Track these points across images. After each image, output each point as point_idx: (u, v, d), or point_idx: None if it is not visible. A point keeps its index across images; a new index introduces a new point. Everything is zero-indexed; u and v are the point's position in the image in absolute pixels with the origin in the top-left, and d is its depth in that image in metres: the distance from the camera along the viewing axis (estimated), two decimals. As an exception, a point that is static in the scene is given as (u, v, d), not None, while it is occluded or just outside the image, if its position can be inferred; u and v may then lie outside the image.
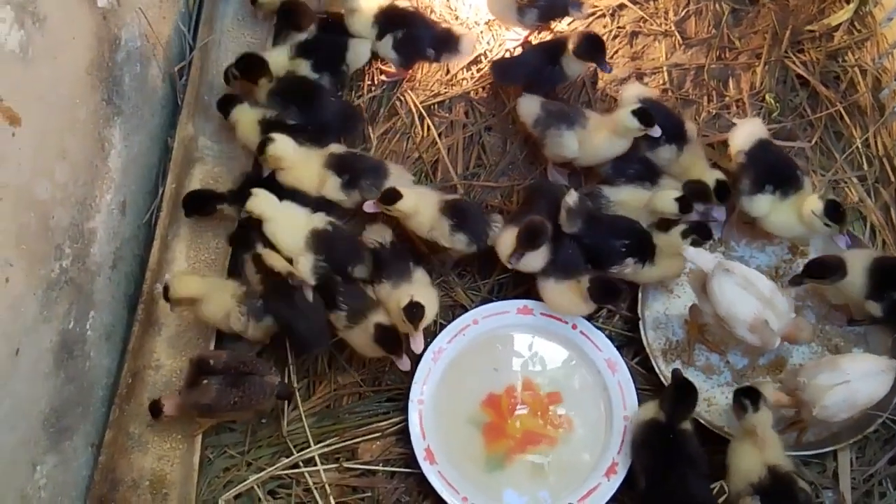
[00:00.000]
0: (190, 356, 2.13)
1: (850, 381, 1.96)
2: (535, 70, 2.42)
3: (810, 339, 2.16)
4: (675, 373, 2.06)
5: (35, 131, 1.82)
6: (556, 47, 2.42)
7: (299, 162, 2.28)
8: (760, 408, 1.93)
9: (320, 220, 2.20)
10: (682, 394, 2.00)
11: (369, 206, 2.20)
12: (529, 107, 2.35)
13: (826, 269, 2.12)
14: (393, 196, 2.13)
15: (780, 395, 2.04)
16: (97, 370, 2.15)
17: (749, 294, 2.01)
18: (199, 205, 2.32)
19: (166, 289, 2.14)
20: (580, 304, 2.15)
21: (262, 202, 2.16)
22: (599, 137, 2.27)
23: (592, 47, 2.35)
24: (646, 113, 2.20)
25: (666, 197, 2.18)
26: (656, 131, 2.22)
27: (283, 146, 2.24)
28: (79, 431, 2.07)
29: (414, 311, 2.00)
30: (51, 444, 1.95)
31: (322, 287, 2.15)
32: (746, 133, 2.30)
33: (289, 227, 2.17)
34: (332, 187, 2.26)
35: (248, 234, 2.20)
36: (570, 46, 2.36)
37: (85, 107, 2.04)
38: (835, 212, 2.13)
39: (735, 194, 2.28)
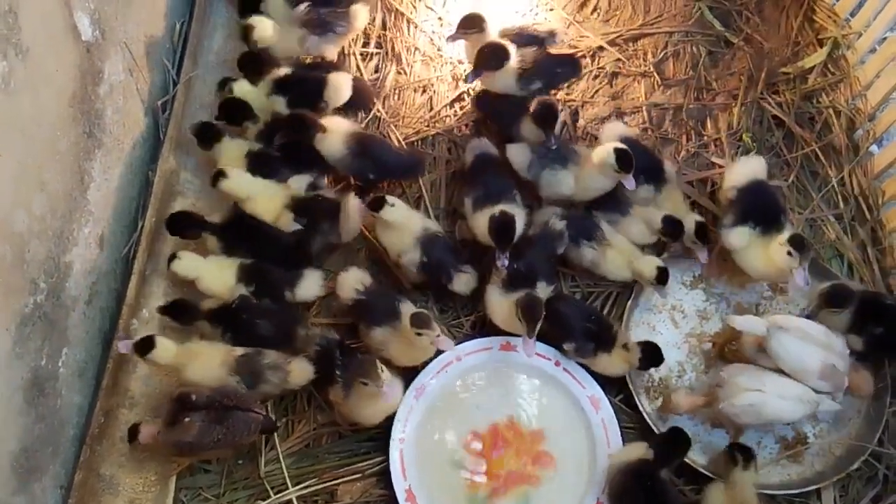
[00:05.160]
0: (167, 393, 2.08)
1: (764, 392, 2.01)
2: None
3: (870, 389, 2.14)
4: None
5: (14, 162, 1.79)
6: None
7: (260, 195, 2.27)
8: (749, 468, 1.95)
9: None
10: (675, 439, 2.01)
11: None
12: (519, 155, 2.33)
13: (843, 299, 2.11)
14: (380, 202, 2.18)
15: (695, 399, 2.10)
16: (69, 408, 2.09)
17: (810, 344, 2.03)
18: (183, 226, 2.27)
19: (144, 346, 2.04)
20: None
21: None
22: (589, 173, 2.26)
23: (545, 116, 2.28)
24: (626, 157, 2.15)
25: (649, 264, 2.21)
26: (630, 182, 2.17)
27: (235, 183, 2.24)
28: (48, 472, 1.99)
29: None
30: (19, 485, 1.88)
31: (320, 360, 2.12)
32: (744, 170, 2.31)
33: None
34: (286, 224, 2.26)
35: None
36: (530, 108, 2.33)
37: (66, 139, 2.02)
38: (799, 245, 2.11)
39: (718, 229, 2.29)
